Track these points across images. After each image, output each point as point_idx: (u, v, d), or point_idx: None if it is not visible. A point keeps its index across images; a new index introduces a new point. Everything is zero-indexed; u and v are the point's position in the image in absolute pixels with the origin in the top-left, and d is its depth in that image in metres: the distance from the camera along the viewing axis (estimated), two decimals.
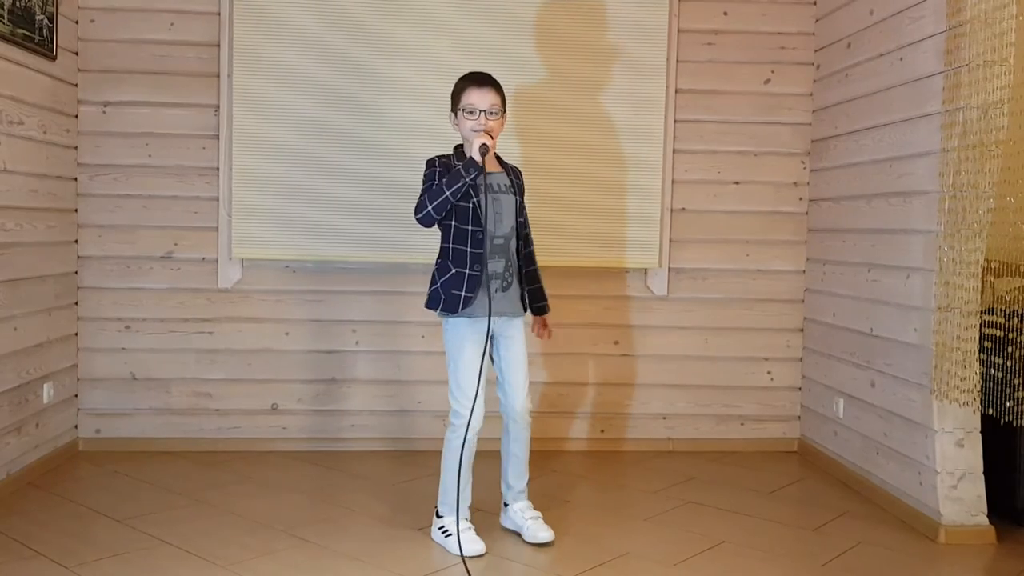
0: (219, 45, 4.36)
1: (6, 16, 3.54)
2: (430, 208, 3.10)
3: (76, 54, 4.29)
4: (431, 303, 3.23)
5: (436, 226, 3.20)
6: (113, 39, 4.33)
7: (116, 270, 4.39)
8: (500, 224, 3.18)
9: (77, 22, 4.29)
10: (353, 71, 4.34)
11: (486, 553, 3.16)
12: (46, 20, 3.88)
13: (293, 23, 4.32)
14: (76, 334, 4.37)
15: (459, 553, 3.06)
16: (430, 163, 3.20)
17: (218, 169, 4.39)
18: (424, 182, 3.17)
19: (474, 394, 3.16)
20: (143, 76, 4.35)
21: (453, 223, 3.16)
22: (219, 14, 4.35)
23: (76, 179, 4.33)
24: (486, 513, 3.52)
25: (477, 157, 3.06)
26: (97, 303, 4.39)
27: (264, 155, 4.34)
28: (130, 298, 4.40)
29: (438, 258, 3.24)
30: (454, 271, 3.15)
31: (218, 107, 4.37)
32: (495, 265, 3.17)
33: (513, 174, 3.30)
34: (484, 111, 3.12)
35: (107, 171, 4.36)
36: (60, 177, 4.16)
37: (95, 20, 4.32)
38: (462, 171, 3.06)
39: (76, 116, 4.32)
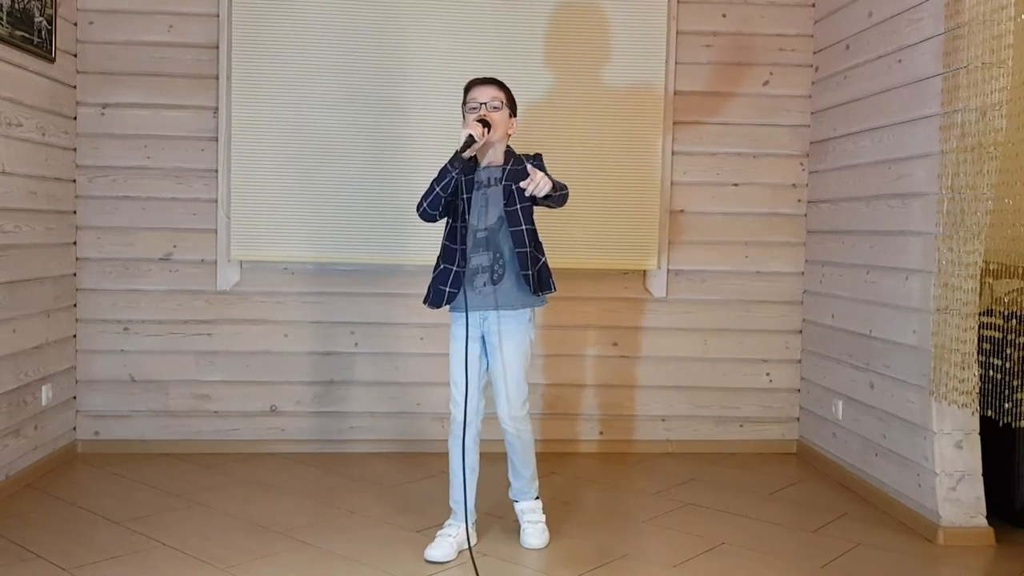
0: (218, 47, 4.36)
1: (5, 18, 3.54)
2: (425, 204, 3.14)
3: (75, 56, 4.29)
4: (424, 297, 3.26)
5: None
6: (112, 41, 4.33)
7: (115, 272, 4.39)
8: (484, 216, 3.17)
9: (76, 24, 4.28)
10: (352, 73, 4.34)
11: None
12: (45, 22, 3.88)
13: (292, 25, 4.31)
14: (75, 336, 4.36)
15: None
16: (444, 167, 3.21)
17: (217, 171, 4.39)
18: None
19: (464, 392, 3.15)
20: (142, 78, 4.35)
21: (449, 220, 3.20)
22: (218, 16, 4.35)
23: (75, 181, 4.33)
24: (492, 516, 3.52)
25: (460, 144, 3.05)
26: (96, 305, 4.38)
27: (263, 157, 4.33)
28: (129, 300, 4.40)
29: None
30: (443, 267, 3.18)
31: (217, 109, 4.37)
32: (479, 259, 3.17)
33: (515, 163, 3.21)
34: (484, 103, 3.15)
35: (106, 173, 4.36)
36: (59, 179, 4.15)
37: (94, 22, 4.31)
38: (448, 165, 3.08)
39: (75, 118, 4.31)
